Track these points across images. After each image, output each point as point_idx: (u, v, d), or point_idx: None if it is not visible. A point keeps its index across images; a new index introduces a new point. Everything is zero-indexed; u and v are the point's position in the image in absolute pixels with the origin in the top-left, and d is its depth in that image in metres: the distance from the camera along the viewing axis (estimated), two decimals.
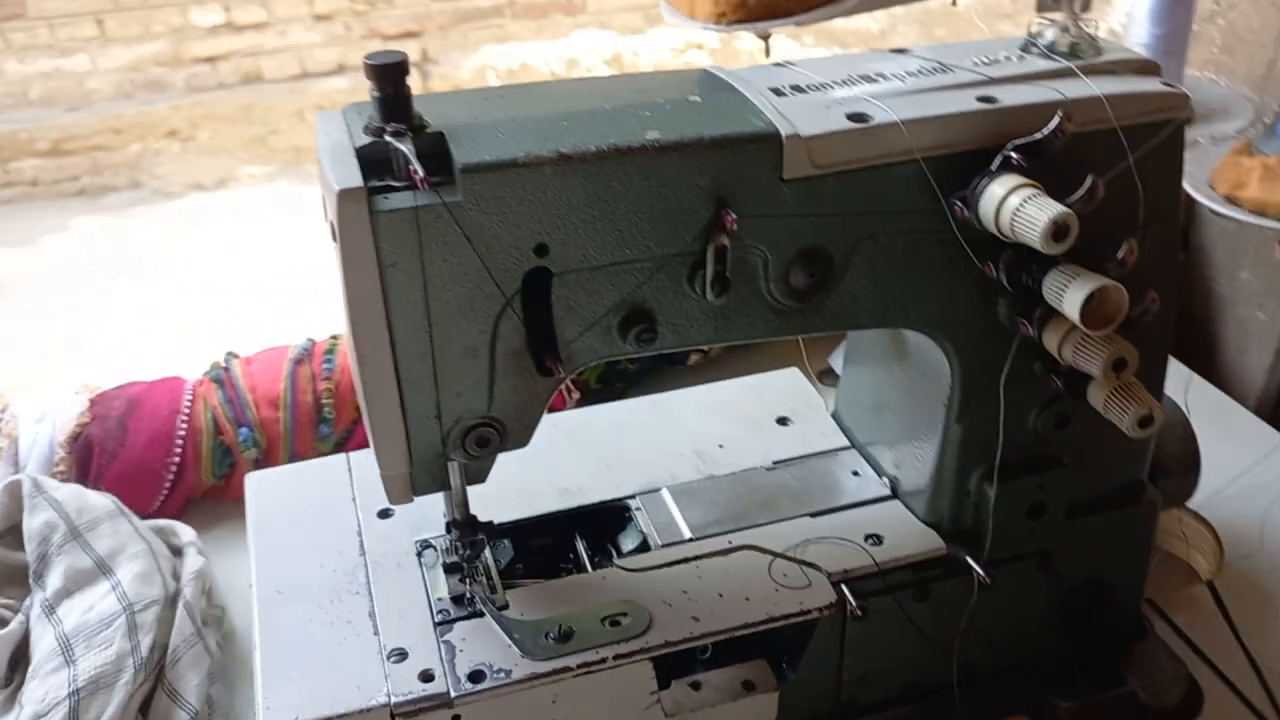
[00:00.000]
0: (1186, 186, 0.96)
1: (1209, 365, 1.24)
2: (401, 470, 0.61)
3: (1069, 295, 0.56)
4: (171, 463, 0.92)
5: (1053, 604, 0.75)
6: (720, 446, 0.79)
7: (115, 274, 1.55)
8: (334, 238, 0.54)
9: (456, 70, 3.87)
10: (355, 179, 0.52)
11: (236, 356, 0.98)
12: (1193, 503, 0.85)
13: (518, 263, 0.56)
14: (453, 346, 0.57)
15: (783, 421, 0.82)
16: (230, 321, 1.22)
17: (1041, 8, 0.98)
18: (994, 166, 0.59)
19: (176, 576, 0.80)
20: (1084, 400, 0.64)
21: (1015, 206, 0.56)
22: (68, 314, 1.40)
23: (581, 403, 1.02)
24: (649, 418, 0.83)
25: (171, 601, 0.77)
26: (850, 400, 0.81)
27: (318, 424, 0.95)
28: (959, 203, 0.59)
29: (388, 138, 0.53)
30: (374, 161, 0.54)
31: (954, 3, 1.00)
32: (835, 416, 0.83)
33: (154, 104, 3.73)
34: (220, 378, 0.95)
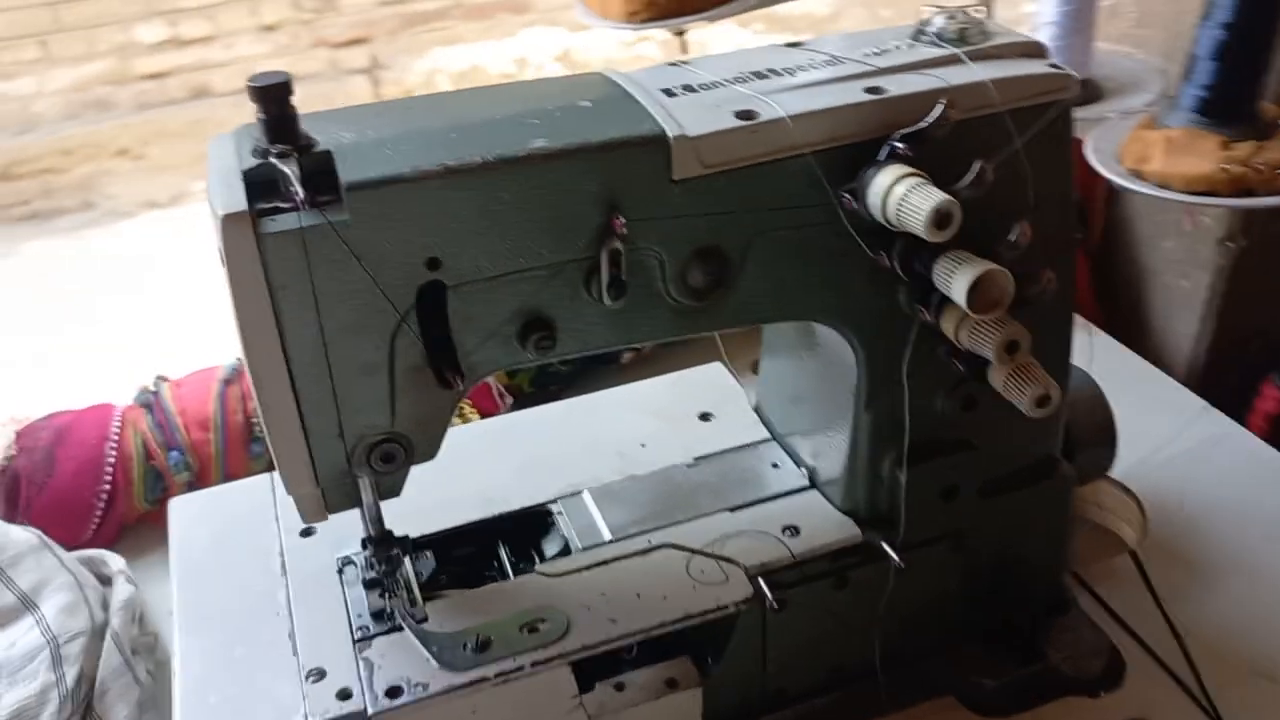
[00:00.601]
0: (1094, 162, 0.98)
1: (1138, 335, 1.26)
2: (310, 490, 0.61)
3: (956, 282, 0.57)
4: (101, 491, 0.91)
5: (970, 583, 0.76)
6: (642, 445, 0.80)
7: (59, 298, 1.53)
8: (222, 262, 0.54)
9: (406, 74, 3.85)
10: (240, 203, 0.52)
11: (165, 380, 0.98)
12: (1117, 472, 0.86)
13: (410, 277, 0.56)
14: (350, 365, 0.57)
15: (705, 417, 0.83)
16: (165, 342, 1.21)
17: None
18: (881, 157, 0.59)
19: (105, 606, 0.80)
20: (987, 382, 0.65)
21: (900, 196, 0.57)
22: (9, 338, 1.38)
23: (515, 407, 1.03)
24: (573, 420, 0.83)
25: (99, 633, 0.76)
26: (770, 392, 0.82)
27: (250, 443, 0.94)
28: (847, 195, 0.60)
29: (273, 159, 0.53)
30: (262, 184, 0.54)
31: None
32: (757, 409, 0.83)
33: (102, 123, 3.68)
34: (149, 402, 0.95)
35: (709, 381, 0.87)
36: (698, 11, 0.94)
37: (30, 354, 1.32)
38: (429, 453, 0.62)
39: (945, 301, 0.62)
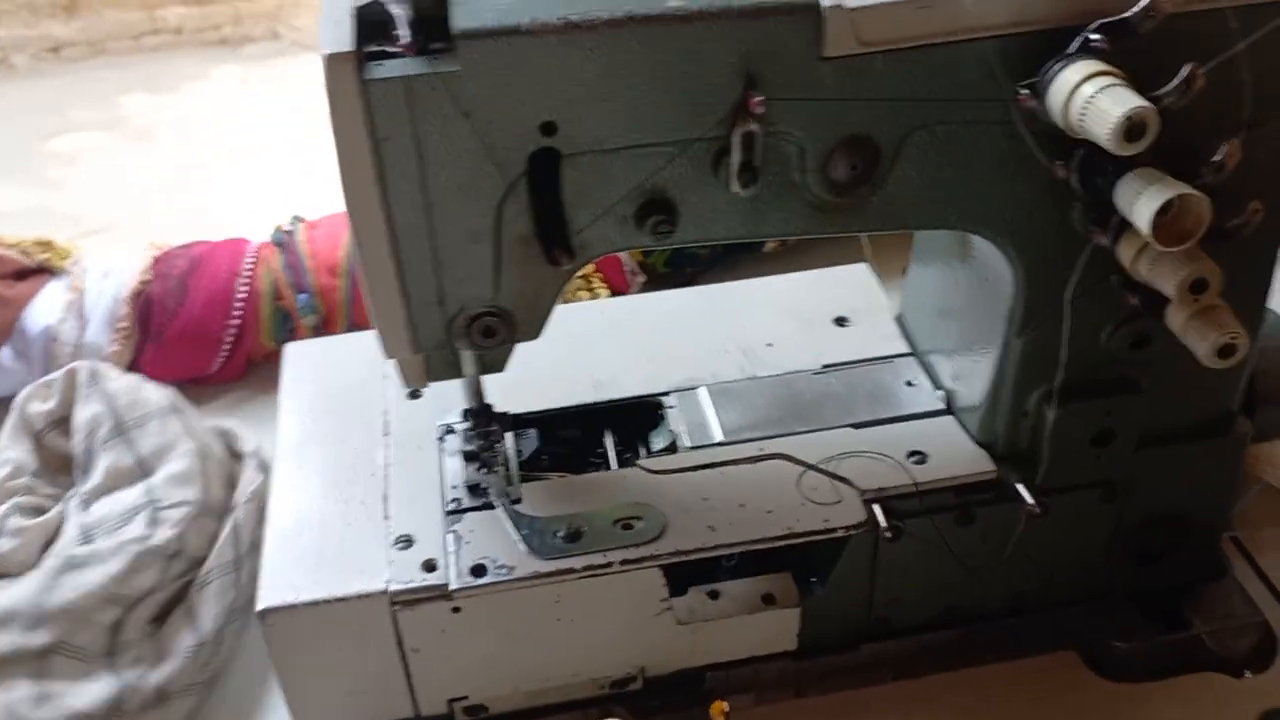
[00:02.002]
0: None
1: None
2: (406, 355, 0.58)
3: (1140, 204, 0.49)
4: (231, 324, 0.92)
5: (1117, 537, 0.69)
6: (769, 345, 0.75)
7: (241, 129, 1.54)
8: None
9: None
10: (346, 42, 0.48)
11: (302, 220, 0.97)
12: None
13: (523, 142, 0.51)
14: (454, 229, 0.53)
15: (840, 322, 0.77)
16: (318, 179, 1.21)
17: None
18: (1072, 49, 0.51)
19: (230, 485, 0.78)
20: (1163, 320, 0.57)
21: (1087, 97, 0.48)
22: (199, 164, 1.41)
23: (647, 286, 0.98)
24: (699, 310, 0.78)
25: (214, 512, 0.74)
26: (915, 302, 0.75)
27: None
28: (1026, 90, 0.52)
29: None
30: (374, 22, 0.50)
31: None
32: (899, 320, 0.77)
33: None
34: (283, 241, 0.95)
35: (851, 283, 0.80)
36: None
37: (189, 176, 1.34)
38: (532, 331, 0.59)
39: (1126, 225, 0.53)
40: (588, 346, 0.74)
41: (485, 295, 0.56)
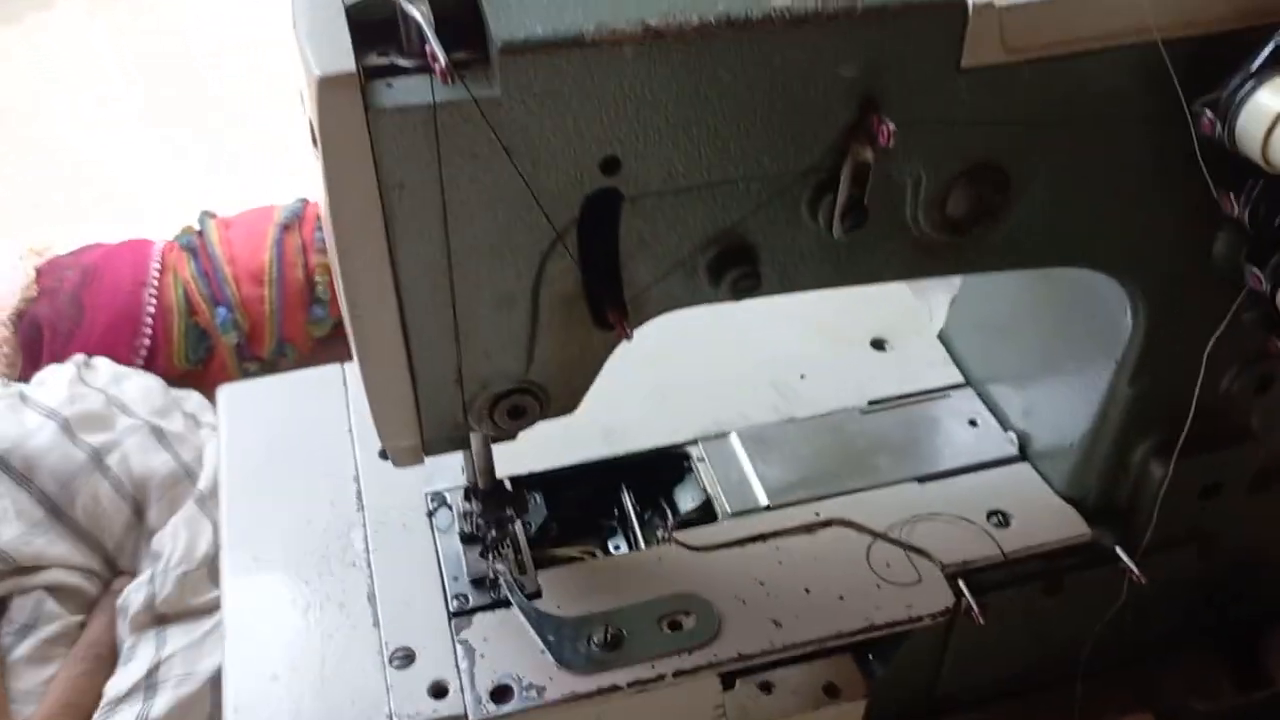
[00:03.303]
0: None
1: None
2: (410, 443, 0.46)
3: None
4: (140, 346, 0.77)
5: (1204, 587, 0.62)
6: (802, 377, 0.64)
7: (104, 71, 1.31)
8: (314, 142, 0.37)
9: None
10: (344, 60, 0.35)
11: (213, 217, 0.82)
12: None
13: (577, 182, 0.39)
14: (481, 294, 0.41)
15: (878, 345, 0.67)
16: (215, 155, 1.03)
17: None
18: (1259, 61, 0.41)
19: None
20: None
21: None
22: (37, 124, 1.19)
23: None
24: (720, 333, 0.67)
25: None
26: (965, 318, 0.65)
27: (310, 304, 0.79)
28: (1208, 110, 0.41)
29: None
30: (373, 26, 0.37)
31: None
32: (943, 338, 0.67)
33: None
34: (193, 245, 0.79)
35: (885, 295, 0.70)
36: None
37: (60, 145, 1.14)
38: (569, 406, 0.47)
39: None
40: (595, 386, 0.62)
41: (515, 371, 0.44)
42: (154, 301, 0.77)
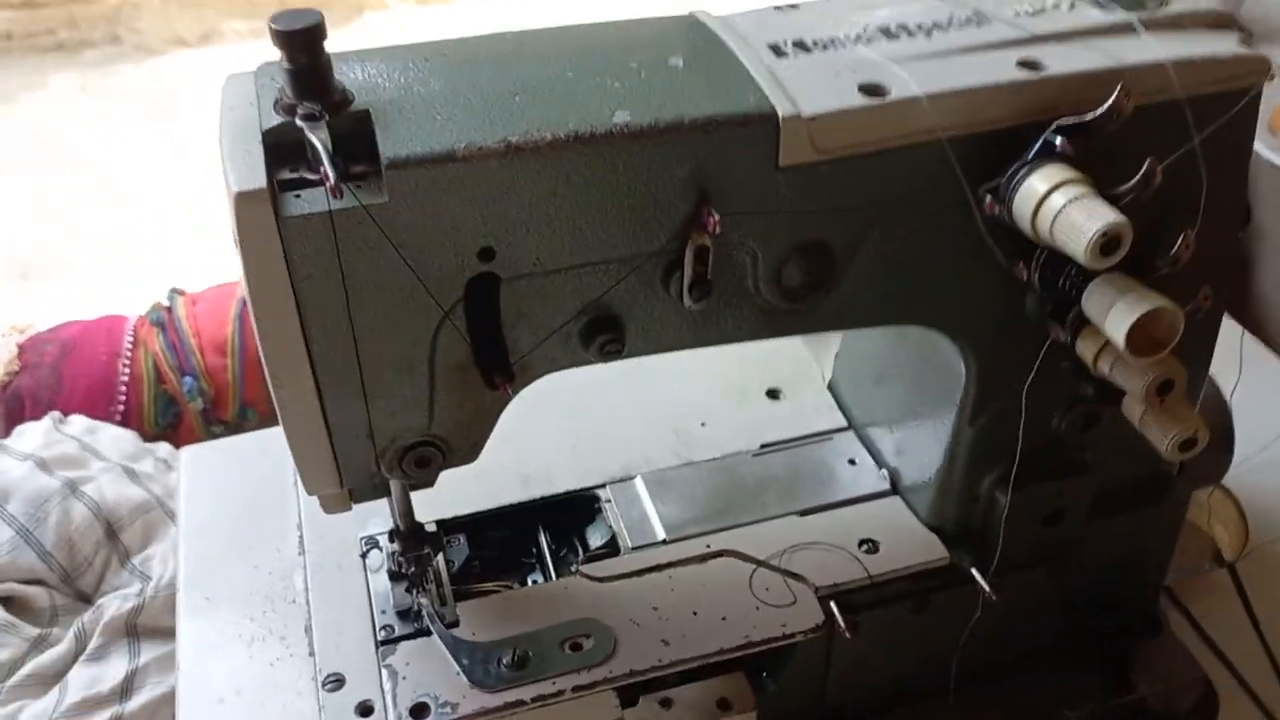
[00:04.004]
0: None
1: (1248, 309, 1.15)
2: (333, 491, 0.53)
3: (1114, 318, 0.48)
4: (115, 412, 0.84)
5: (1062, 603, 0.69)
6: (702, 425, 0.72)
7: (85, 158, 1.41)
8: (235, 243, 0.45)
9: None
10: (258, 178, 0.43)
11: (181, 294, 0.90)
12: None
13: (458, 269, 0.47)
14: (384, 362, 0.49)
15: (773, 394, 0.74)
16: (186, 220, 1.11)
17: None
18: (1032, 153, 0.49)
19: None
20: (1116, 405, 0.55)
21: (1058, 208, 0.47)
22: (45, 194, 1.28)
23: None
24: (627, 386, 0.75)
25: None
26: (848, 370, 0.73)
27: None
28: (989, 195, 0.50)
29: (299, 120, 0.44)
30: (286, 145, 0.45)
31: None
32: (832, 388, 0.74)
33: None
34: (162, 320, 0.87)
35: (778, 351, 0.77)
36: None
37: (39, 206, 1.22)
38: (469, 457, 0.54)
39: (1084, 321, 0.52)
40: (513, 436, 0.69)
41: (419, 426, 0.51)
42: (127, 372, 0.84)
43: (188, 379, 0.85)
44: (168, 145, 1.36)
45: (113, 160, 1.40)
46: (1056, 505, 0.63)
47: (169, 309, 0.88)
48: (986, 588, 0.62)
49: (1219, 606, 0.77)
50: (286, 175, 0.44)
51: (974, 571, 0.63)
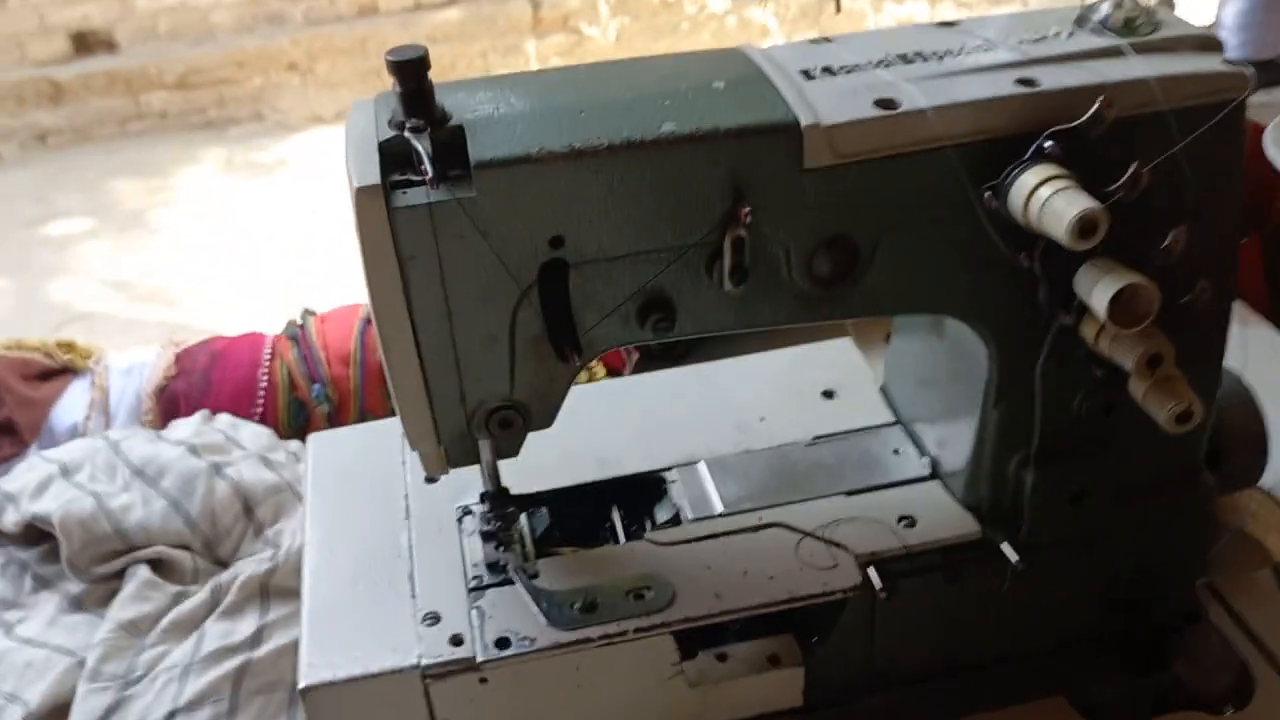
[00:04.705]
0: (1273, 154, 0.91)
1: None
2: (430, 447, 0.63)
3: (1096, 293, 0.55)
4: (254, 413, 0.97)
5: (1099, 586, 0.74)
6: (761, 420, 0.80)
7: (230, 212, 1.60)
8: (357, 230, 0.55)
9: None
10: (374, 176, 0.54)
11: (312, 314, 1.03)
12: (1269, 478, 0.82)
13: (533, 255, 0.57)
14: (473, 334, 0.59)
15: (828, 395, 0.82)
16: (317, 266, 1.26)
17: None
18: (1028, 155, 0.57)
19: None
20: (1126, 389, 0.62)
21: (1044, 199, 0.54)
22: (198, 251, 1.46)
23: (641, 363, 1.04)
24: (694, 388, 0.83)
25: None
26: (897, 374, 0.80)
27: (385, 381, 0.98)
28: (989, 193, 0.57)
29: (407, 133, 0.55)
30: (395, 155, 0.56)
31: None
32: (883, 390, 0.82)
33: (274, 37, 3.83)
34: (296, 335, 1.00)
35: (835, 357, 0.85)
36: None
37: (195, 267, 1.39)
38: (545, 421, 0.64)
39: (1086, 307, 0.59)
40: (591, 427, 0.79)
41: (502, 391, 0.61)
42: (265, 379, 0.97)
43: (316, 386, 0.97)
44: (300, 205, 1.53)
45: (251, 217, 1.58)
46: (1081, 485, 0.69)
47: (302, 326, 1.00)
48: (1014, 557, 0.68)
49: (1263, 603, 0.80)
50: (396, 177, 0.55)
51: (1003, 545, 0.69)
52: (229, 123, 3.50)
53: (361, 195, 0.53)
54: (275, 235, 1.44)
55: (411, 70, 0.54)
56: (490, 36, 3.66)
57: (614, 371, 1.00)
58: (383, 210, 0.54)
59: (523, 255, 0.56)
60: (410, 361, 0.59)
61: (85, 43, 3.73)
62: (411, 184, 0.55)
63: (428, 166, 0.53)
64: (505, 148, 0.54)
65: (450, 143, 0.55)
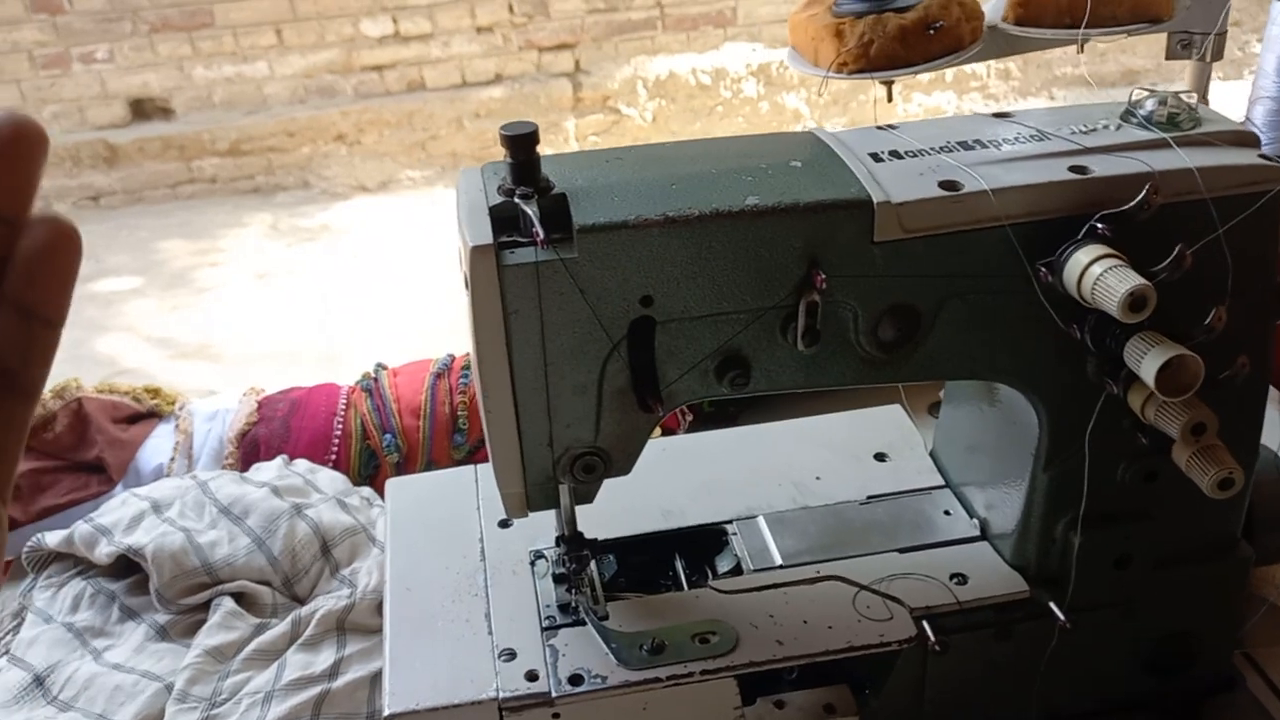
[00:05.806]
0: None
1: None
2: (517, 490, 0.68)
3: (1146, 363, 0.59)
4: (329, 459, 1.02)
5: (1137, 651, 0.77)
6: (817, 478, 0.84)
7: (283, 275, 1.67)
8: (466, 286, 0.61)
9: (607, 80, 4.00)
10: (486, 236, 0.59)
11: (385, 368, 1.08)
12: None
13: (625, 312, 0.62)
14: (565, 383, 0.64)
15: (880, 457, 0.86)
16: (383, 328, 1.32)
17: (1170, 55, 0.99)
18: (1081, 235, 0.62)
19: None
20: (1170, 457, 0.66)
21: (1097, 275, 0.59)
22: (241, 310, 1.53)
23: (694, 424, 1.08)
24: (752, 446, 0.88)
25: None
26: (947, 439, 0.85)
27: (453, 433, 1.03)
28: (1044, 268, 0.62)
29: (516, 199, 0.60)
30: (504, 219, 0.61)
31: (1080, 49, 1.02)
32: (933, 455, 0.86)
33: (325, 109, 3.97)
34: (370, 387, 1.05)
35: (886, 422, 0.90)
36: (907, 65, 0.97)
37: (238, 326, 1.46)
38: (625, 468, 0.68)
39: (1134, 377, 0.63)
40: (655, 480, 0.84)
41: (587, 438, 0.66)
42: (340, 428, 1.02)
43: (387, 436, 1.02)
44: (340, 268, 1.61)
45: (293, 279, 1.65)
46: (1125, 549, 0.72)
47: (375, 379, 1.06)
48: (1061, 616, 0.72)
49: None
50: (504, 239, 0.61)
51: (1051, 604, 0.72)
52: (276, 189, 3.62)
53: (476, 253, 0.59)
54: (315, 297, 1.51)
55: (523, 144, 0.60)
56: (532, 114, 3.78)
57: (668, 431, 1.05)
58: (493, 267, 0.59)
59: (615, 312, 0.62)
60: (506, 407, 0.63)
61: (143, 109, 3.89)
62: (518, 245, 0.60)
63: (538, 228, 0.58)
64: (605, 214, 0.60)
65: (554, 210, 0.61)
